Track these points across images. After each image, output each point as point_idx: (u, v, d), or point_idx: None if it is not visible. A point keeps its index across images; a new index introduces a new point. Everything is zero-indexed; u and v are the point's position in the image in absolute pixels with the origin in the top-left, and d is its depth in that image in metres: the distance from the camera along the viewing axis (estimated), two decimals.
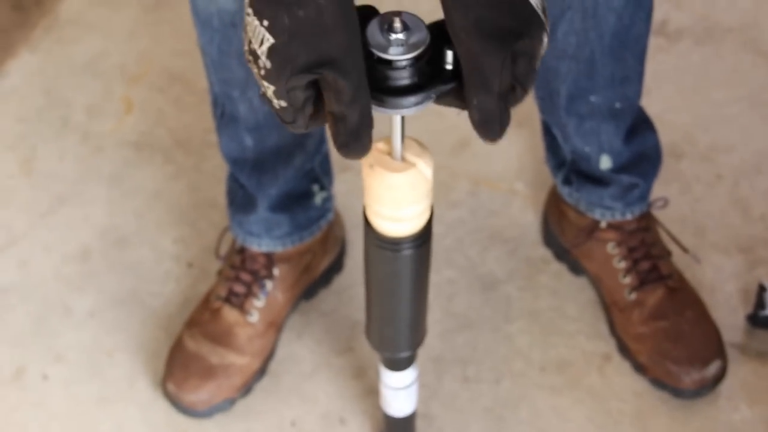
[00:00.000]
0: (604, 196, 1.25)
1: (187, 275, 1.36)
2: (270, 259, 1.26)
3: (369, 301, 0.95)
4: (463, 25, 0.70)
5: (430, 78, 0.72)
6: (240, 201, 1.24)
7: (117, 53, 1.57)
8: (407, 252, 0.84)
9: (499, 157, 1.45)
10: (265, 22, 0.69)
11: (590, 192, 1.25)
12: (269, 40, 0.69)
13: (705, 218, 1.39)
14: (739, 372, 1.26)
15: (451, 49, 0.71)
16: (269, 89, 0.71)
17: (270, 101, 0.73)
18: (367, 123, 0.71)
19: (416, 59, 0.71)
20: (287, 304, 1.28)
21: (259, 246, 1.25)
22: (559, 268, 1.35)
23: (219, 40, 1.07)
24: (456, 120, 1.50)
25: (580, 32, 1.09)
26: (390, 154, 0.80)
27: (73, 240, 1.39)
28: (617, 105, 1.16)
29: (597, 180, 1.24)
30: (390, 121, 0.78)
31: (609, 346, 1.29)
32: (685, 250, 1.29)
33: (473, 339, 1.30)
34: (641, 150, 1.23)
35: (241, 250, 1.26)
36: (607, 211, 1.26)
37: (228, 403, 1.24)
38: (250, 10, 0.70)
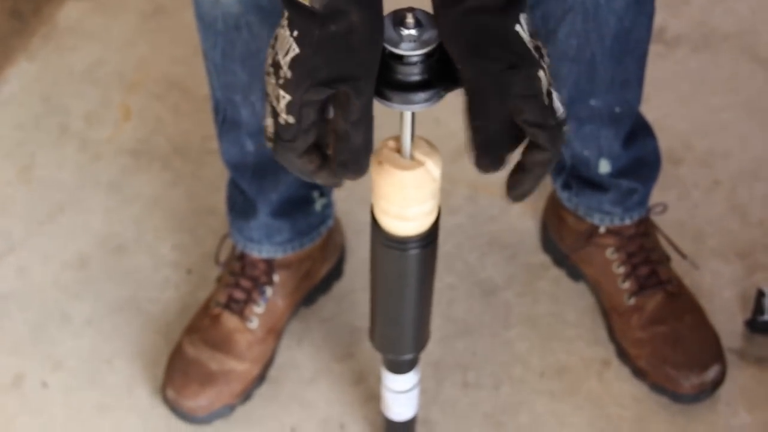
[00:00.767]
0: (603, 201, 1.25)
1: (186, 282, 1.36)
2: (270, 266, 1.26)
3: (374, 301, 0.95)
4: (459, 51, 0.72)
5: (440, 75, 0.73)
6: (240, 207, 1.24)
7: (115, 61, 1.57)
8: (413, 252, 0.84)
9: None
10: (295, 33, 0.71)
11: (589, 197, 1.25)
12: (294, 50, 0.71)
13: (703, 224, 1.39)
14: (738, 377, 1.26)
15: None
16: (283, 100, 0.73)
17: (276, 116, 0.74)
18: (368, 146, 0.73)
19: (427, 56, 0.72)
20: (287, 311, 1.28)
21: (260, 252, 1.25)
22: (557, 273, 1.35)
23: (223, 43, 1.07)
24: (454, 127, 1.50)
25: (581, 34, 1.09)
26: (399, 151, 0.80)
27: (72, 247, 1.39)
28: (617, 109, 1.17)
29: (596, 185, 1.24)
30: (400, 118, 0.78)
31: (608, 351, 1.29)
32: (683, 255, 1.30)
33: (473, 344, 1.30)
34: (640, 155, 1.23)
35: (241, 257, 1.26)
36: (606, 216, 1.26)
37: (227, 410, 1.24)
38: (285, 22, 0.72)
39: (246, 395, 1.25)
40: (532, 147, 0.76)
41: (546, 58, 0.75)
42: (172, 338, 1.29)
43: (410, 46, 0.71)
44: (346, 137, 0.73)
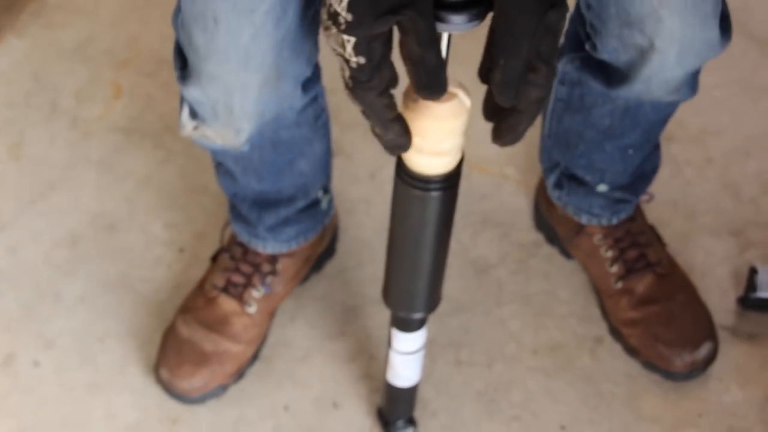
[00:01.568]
0: (594, 205, 1.24)
1: (178, 260, 1.35)
2: (274, 256, 1.25)
3: (390, 253, 0.95)
4: None
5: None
6: (240, 218, 1.22)
7: (105, 38, 1.56)
8: (438, 193, 0.87)
9: (489, 142, 1.44)
10: None
11: (580, 199, 1.25)
12: None
13: (696, 201, 1.39)
14: (731, 354, 1.26)
15: None
16: (348, 44, 0.75)
17: (347, 62, 0.76)
18: (442, 64, 0.76)
19: None
20: (286, 294, 1.28)
21: (264, 248, 1.23)
22: (550, 251, 1.35)
23: (232, 164, 1.11)
24: None
25: (617, 119, 1.11)
26: None
27: (63, 225, 1.38)
28: (630, 152, 1.17)
29: (589, 190, 1.23)
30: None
31: (601, 328, 1.29)
32: (664, 245, 1.29)
33: (466, 322, 1.30)
34: (642, 174, 1.23)
35: (243, 243, 1.25)
36: (593, 218, 1.26)
37: (221, 389, 1.24)
38: None
39: (239, 374, 1.25)
40: (528, 85, 0.77)
41: None
42: (164, 317, 1.29)
43: None
44: (420, 60, 0.75)
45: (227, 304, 1.24)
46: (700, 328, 1.24)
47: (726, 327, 1.28)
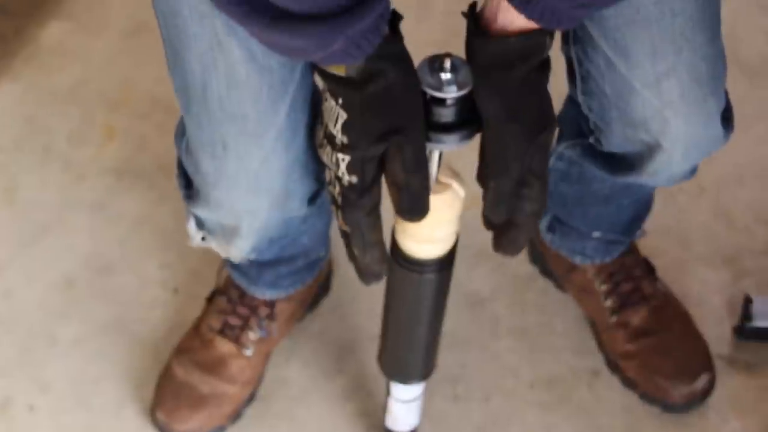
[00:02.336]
0: (587, 248, 1.24)
1: (173, 301, 1.35)
2: (272, 302, 1.24)
3: (385, 327, 0.96)
4: (497, 113, 0.76)
5: (470, 115, 0.78)
6: (239, 269, 1.21)
7: (98, 80, 1.56)
8: (432, 275, 0.88)
9: None
10: (340, 101, 0.75)
11: (573, 243, 1.24)
12: (343, 116, 0.75)
13: (689, 230, 1.39)
14: (728, 384, 1.26)
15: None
16: (343, 163, 0.77)
17: (339, 179, 0.78)
18: (427, 188, 0.78)
19: (465, 97, 0.77)
20: (283, 336, 1.27)
21: (263, 295, 1.23)
22: (545, 284, 1.35)
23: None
24: None
25: (617, 191, 1.12)
26: None
27: (57, 268, 1.38)
28: (625, 202, 1.17)
29: (582, 235, 1.23)
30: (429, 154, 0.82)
31: (597, 361, 1.29)
32: (655, 278, 1.28)
33: (462, 357, 1.30)
34: (636, 218, 1.22)
35: (240, 288, 1.24)
36: (587, 258, 1.25)
37: (218, 431, 1.23)
38: (327, 95, 0.77)
39: (236, 415, 1.24)
40: (523, 200, 0.79)
41: None
42: (160, 358, 1.29)
43: (451, 89, 0.76)
44: (405, 185, 0.77)
45: (224, 346, 1.23)
46: (697, 359, 1.24)
47: (722, 356, 1.28)
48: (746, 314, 1.28)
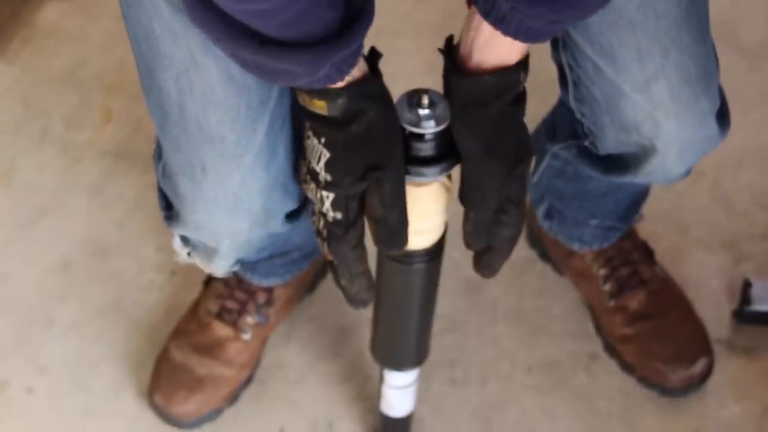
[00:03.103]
0: (585, 234, 1.24)
1: (170, 284, 1.35)
2: (270, 288, 1.24)
3: (376, 317, 0.96)
4: (473, 148, 0.78)
5: (454, 145, 0.80)
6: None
7: (95, 63, 1.56)
8: (421, 266, 0.88)
9: None
10: (323, 140, 0.76)
11: (571, 229, 1.24)
12: (326, 155, 0.76)
13: (688, 215, 1.39)
14: (726, 368, 1.26)
15: None
16: (327, 200, 0.78)
17: (323, 215, 0.79)
18: (404, 222, 0.79)
19: (444, 131, 0.78)
20: (281, 320, 1.27)
21: (260, 282, 1.23)
22: (543, 268, 1.35)
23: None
24: None
25: (613, 187, 1.12)
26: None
27: (54, 251, 1.38)
28: (622, 195, 1.17)
29: (579, 223, 1.23)
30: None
31: (595, 345, 1.29)
32: (654, 261, 1.28)
33: (460, 341, 1.30)
34: (633, 204, 1.22)
35: (238, 274, 1.24)
36: (585, 245, 1.25)
37: (215, 413, 1.23)
38: (309, 133, 0.78)
39: (234, 398, 1.24)
40: (500, 226, 0.81)
41: None
42: (157, 341, 1.28)
43: (429, 124, 0.78)
44: (383, 219, 0.78)
45: (221, 330, 1.23)
46: (696, 343, 1.24)
47: (721, 341, 1.28)
48: (745, 298, 1.28)
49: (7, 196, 1.43)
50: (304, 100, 0.77)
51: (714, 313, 1.29)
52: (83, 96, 1.52)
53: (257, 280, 1.22)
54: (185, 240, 1.03)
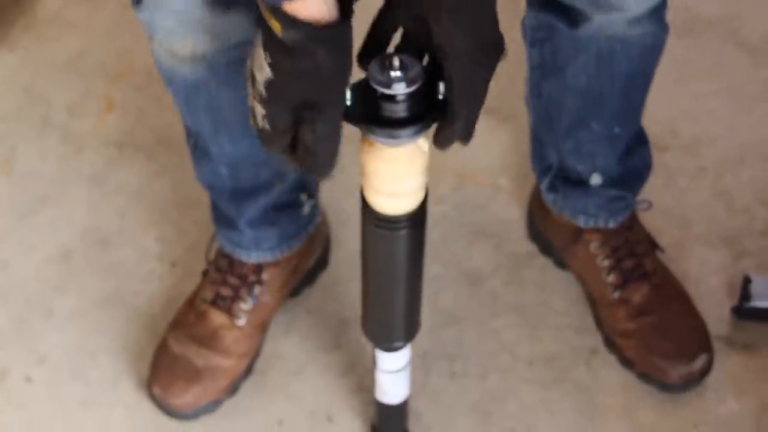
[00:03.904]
0: (589, 205, 1.24)
1: (170, 274, 1.35)
2: (259, 266, 1.24)
3: (365, 289, 0.96)
4: (464, 46, 0.78)
5: (427, 108, 0.81)
6: (223, 220, 1.22)
7: (97, 51, 1.55)
8: (405, 231, 0.88)
9: (483, 153, 1.45)
10: (269, 59, 0.76)
11: (575, 200, 1.25)
12: (268, 75, 0.76)
13: (689, 211, 1.39)
14: (726, 364, 1.26)
15: (442, 80, 0.79)
16: (259, 112, 0.78)
17: (254, 117, 0.79)
18: (332, 158, 0.80)
19: (414, 93, 0.80)
20: (275, 306, 1.27)
21: (248, 257, 1.23)
22: (544, 262, 1.35)
23: (184, 97, 1.08)
24: None
25: (592, 73, 1.11)
26: None
27: (55, 240, 1.38)
28: (617, 130, 1.17)
29: (583, 190, 1.24)
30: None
31: (596, 340, 1.29)
32: (661, 250, 1.29)
33: (460, 334, 1.30)
34: (633, 167, 1.23)
35: (229, 255, 1.25)
36: (590, 219, 1.26)
37: (214, 405, 1.23)
38: (260, 39, 0.77)
39: (233, 389, 1.24)
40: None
41: None
42: (156, 332, 1.28)
43: (400, 86, 0.79)
44: (312, 149, 0.78)
45: (217, 317, 1.23)
46: (696, 340, 1.24)
47: (721, 337, 1.28)
48: (745, 294, 1.28)
49: (7, 185, 1.43)
50: (264, 11, 0.76)
51: (714, 309, 1.29)
52: (85, 85, 1.52)
53: (246, 256, 1.23)
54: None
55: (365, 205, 0.88)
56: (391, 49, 0.82)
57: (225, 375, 1.23)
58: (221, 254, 1.25)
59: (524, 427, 1.23)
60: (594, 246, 1.26)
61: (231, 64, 1.01)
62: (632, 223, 1.27)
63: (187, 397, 1.22)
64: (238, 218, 1.20)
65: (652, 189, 1.33)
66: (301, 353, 1.28)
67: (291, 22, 0.74)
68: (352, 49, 0.78)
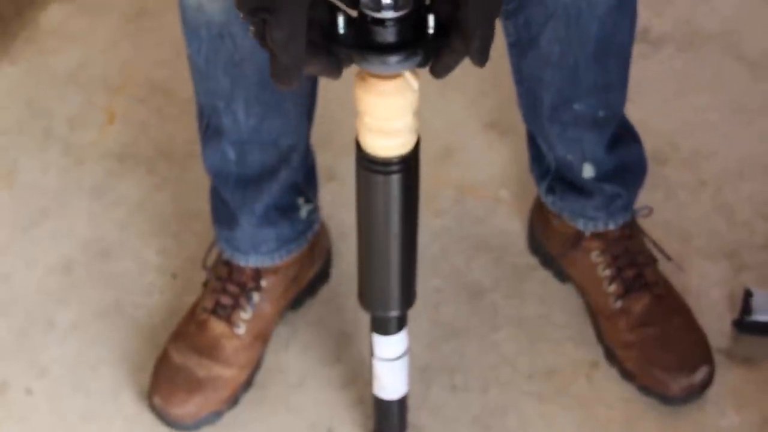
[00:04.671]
0: (587, 207, 1.25)
1: (171, 286, 1.35)
2: (257, 272, 1.25)
3: (360, 250, 0.97)
4: None
5: (416, 37, 0.82)
6: (224, 217, 1.23)
7: (98, 64, 1.56)
8: (397, 175, 0.89)
9: (483, 165, 1.45)
10: None
11: (573, 202, 1.25)
12: None
13: (690, 224, 1.39)
14: (727, 377, 1.26)
15: (432, 13, 0.80)
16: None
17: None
18: (297, 66, 0.80)
19: (403, 19, 0.80)
20: (274, 316, 1.27)
21: (247, 262, 1.24)
22: (545, 275, 1.35)
23: (206, 50, 1.07)
24: (439, 128, 1.50)
25: (564, 40, 1.10)
26: None
27: (56, 252, 1.38)
28: (600, 113, 1.17)
29: (580, 189, 1.24)
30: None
31: (596, 353, 1.29)
32: (668, 258, 1.29)
33: (460, 347, 1.30)
34: (624, 160, 1.23)
35: (228, 263, 1.26)
36: (590, 222, 1.26)
37: (215, 416, 1.23)
38: None
39: (233, 401, 1.24)
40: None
41: None
42: (157, 343, 1.28)
43: (389, 12, 0.80)
44: (275, 56, 0.79)
45: (217, 326, 1.24)
46: (697, 352, 1.24)
47: (721, 350, 1.28)
48: (746, 308, 1.28)
49: (9, 197, 1.43)
50: None
51: (715, 322, 1.29)
52: (87, 97, 1.52)
53: (244, 261, 1.23)
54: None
55: (359, 151, 0.89)
56: None
57: (226, 385, 1.23)
58: (220, 262, 1.26)
59: None
60: (595, 255, 1.27)
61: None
62: (633, 233, 1.27)
63: (188, 407, 1.22)
64: (239, 212, 1.20)
65: (652, 202, 1.33)
66: (302, 366, 1.28)
67: None
68: None
